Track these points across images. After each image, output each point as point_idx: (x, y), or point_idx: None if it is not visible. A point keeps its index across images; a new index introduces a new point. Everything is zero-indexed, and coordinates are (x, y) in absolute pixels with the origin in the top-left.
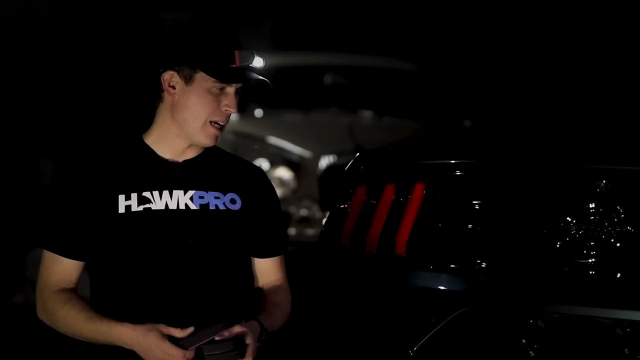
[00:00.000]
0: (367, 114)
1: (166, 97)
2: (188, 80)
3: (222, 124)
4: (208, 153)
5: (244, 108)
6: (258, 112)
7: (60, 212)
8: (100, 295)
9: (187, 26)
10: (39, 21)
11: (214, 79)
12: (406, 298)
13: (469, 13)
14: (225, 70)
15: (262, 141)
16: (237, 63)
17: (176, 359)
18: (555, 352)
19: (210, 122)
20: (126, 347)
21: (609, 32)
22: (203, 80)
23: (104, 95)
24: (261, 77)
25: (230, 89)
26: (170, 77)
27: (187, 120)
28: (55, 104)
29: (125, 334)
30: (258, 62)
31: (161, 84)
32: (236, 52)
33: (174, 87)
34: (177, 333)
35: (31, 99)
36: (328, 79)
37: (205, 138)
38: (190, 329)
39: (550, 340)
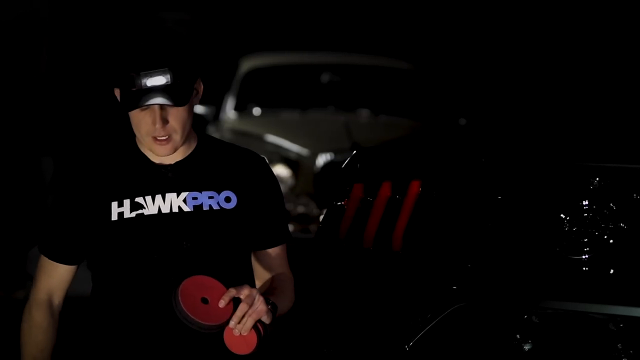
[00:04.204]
0: (363, 112)
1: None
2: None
3: (162, 137)
4: (202, 149)
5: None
6: (256, 111)
7: (57, 220)
8: (100, 296)
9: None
10: (40, 21)
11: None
12: (402, 294)
13: (463, 12)
14: (127, 94)
15: (260, 139)
16: (136, 87)
17: None
18: (549, 347)
19: (153, 137)
20: None
21: (603, 31)
22: None
23: (104, 95)
24: (163, 101)
25: (153, 106)
26: (117, 94)
27: (137, 136)
28: (56, 102)
29: None
30: (160, 80)
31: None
32: (133, 75)
33: None
34: None
35: (32, 97)
36: (325, 77)
37: (157, 151)
38: None
39: (544, 335)
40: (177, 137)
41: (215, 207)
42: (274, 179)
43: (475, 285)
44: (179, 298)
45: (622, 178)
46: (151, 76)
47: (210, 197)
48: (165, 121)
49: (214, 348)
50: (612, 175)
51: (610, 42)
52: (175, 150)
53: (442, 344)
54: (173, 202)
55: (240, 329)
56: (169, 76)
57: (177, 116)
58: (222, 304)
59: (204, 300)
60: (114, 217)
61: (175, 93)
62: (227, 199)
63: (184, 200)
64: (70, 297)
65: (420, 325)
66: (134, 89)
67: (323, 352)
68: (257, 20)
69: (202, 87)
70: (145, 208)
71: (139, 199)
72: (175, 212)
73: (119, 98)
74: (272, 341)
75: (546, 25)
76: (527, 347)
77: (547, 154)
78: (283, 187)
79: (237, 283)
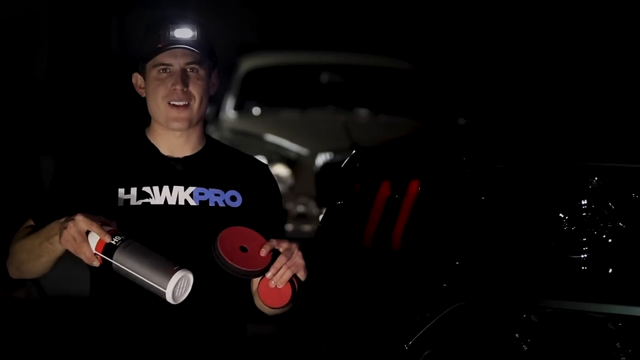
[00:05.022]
0: (363, 112)
1: (144, 96)
2: (144, 76)
3: (179, 102)
4: (210, 149)
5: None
6: (256, 110)
7: (56, 194)
8: (99, 288)
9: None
10: (40, 19)
11: (154, 65)
12: (401, 293)
13: (463, 12)
14: (154, 52)
15: (259, 139)
16: (162, 42)
17: (85, 250)
18: (548, 346)
19: (168, 103)
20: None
21: (603, 31)
22: (150, 70)
23: (104, 93)
24: (188, 47)
25: (174, 68)
26: (135, 79)
27: (152, 110)
28: (56, 101)
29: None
30: (187, 33)
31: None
32: (160, 32)
33: (142, 87)
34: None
35: (32, 96)
36: (324, 77)
37: (172, 122)
38: None
39: (543, 334)
40: (195, 107)
41: (221, 204)
42: (277, 188)
43: (474, 284)
44: (218, 244)
45: (621, 178)
46: (179, 28)
47: (216, 195)
48: (185, 84)
49: (214, 344)
50: (611, 174)
51: (610, 42)
52: (190, 125)
53: (442, 343)
54: (180, 195)
55: (277, 281)
56: (195, 32)
57: (197, 83)
58: (263, 252)
59: (243, 249)
60: (120, 203)
61: (200, 49)
62: (233, 198)
63: (191, 195)
64: (70, 297)
65: (419, 324)
66: (160, 46)
67: (322, 352)
68: (258, 20)
69: (218, 81)
70: (151, 198)
71: (146, 188)
72: (182, 205)
73: (136, 84)
74: (270, 340)
75: (546, 25)
76: (526, 346)
77: (546, 154)
78: (283, 187)
79: (236, 281)
